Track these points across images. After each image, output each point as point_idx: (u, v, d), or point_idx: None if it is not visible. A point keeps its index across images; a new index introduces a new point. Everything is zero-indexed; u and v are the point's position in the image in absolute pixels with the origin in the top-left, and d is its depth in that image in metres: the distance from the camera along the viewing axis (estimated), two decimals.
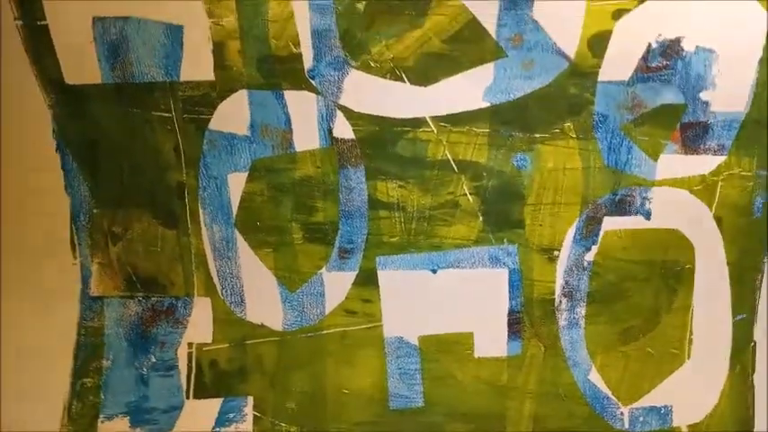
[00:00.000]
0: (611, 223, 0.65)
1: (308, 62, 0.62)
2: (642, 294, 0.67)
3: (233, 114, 0.63)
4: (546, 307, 0.67)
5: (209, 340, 0.67)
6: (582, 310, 0.67)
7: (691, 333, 0.68)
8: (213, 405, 0.68)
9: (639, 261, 0.66)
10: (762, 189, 0.65)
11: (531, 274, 0.66)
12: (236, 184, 0.65)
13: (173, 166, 0.65)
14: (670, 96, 0.63)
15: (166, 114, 0.63)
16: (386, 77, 0.63)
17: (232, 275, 0.66)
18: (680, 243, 0.66)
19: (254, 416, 0.68)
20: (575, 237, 0.66)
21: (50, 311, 0.67)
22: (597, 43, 0.61)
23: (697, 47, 0.61)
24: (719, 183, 0.64)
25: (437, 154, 0.64)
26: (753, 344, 0.68)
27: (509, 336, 0.67)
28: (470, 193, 0.65)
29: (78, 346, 0.67)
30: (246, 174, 0.65)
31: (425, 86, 0.63)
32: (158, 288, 0.67)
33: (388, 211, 0.65)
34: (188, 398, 0.68)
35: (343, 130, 0.64)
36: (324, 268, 0.66)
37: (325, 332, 0.67)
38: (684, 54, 0.62)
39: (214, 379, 0.68)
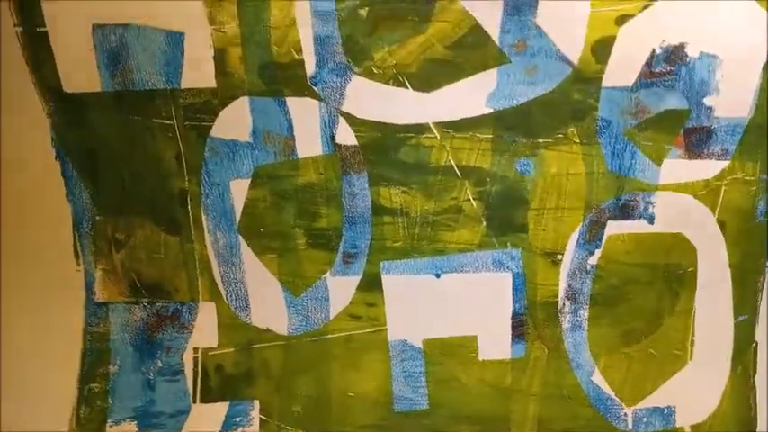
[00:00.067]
0: (614, 227, 0.66)
1: (310, 69, 0.62)
2: (645, 297, 0.67)
3: (235, 121, 0.63)
4: (549, 310, 0.67)
5: (215, 345, 0.68)
6: (585, 313, 0.67)
7: (693, 334, 0.68)
8: (220, 409, 0.68)
9: (642, 264, 0.67)
10: (765, 193, 0.65)
11: (535, 277, 0.67)
12: (239, 190, 0.65)
13: (174, 174, 0.64)
14: (674, 102, 0.63)
15: (167, 122, 0.63)
16: (389, 84, 0.62)
17: (236, 281, 0.67)
18: (682, 246, 0.66)
19: (261, 419, 0.69)
20: (578, 241, 0.66)
21: (51, 312, 0.67)
22: (601, 49, 0.61)
23: (701, 52, 0.61)
24: (723, 187, 0.65)
25: (440, 160, 0.64)
26: (754, 345, 0.69)
27: (513, 338, 0.68)
28: (474, 199, 0.65)
29: (84, 352, 0.67)
30: (249, 180, 0.65)
31: (428, 92, 0.62)
32: (163, 294, 0.67)
33: (391, 217, 0.65)
34: (195, 402, 0.68)
35: (345, 136, 0.64)
36: (328, 273, 0.67)
37: (330, 336, 0.68)
38: (688, 60, 0.62)
39: (220, 383, 0.68)
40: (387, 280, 0.67)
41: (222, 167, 0.64)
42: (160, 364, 0.68)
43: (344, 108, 0.63)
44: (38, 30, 0.61)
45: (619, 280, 0.67)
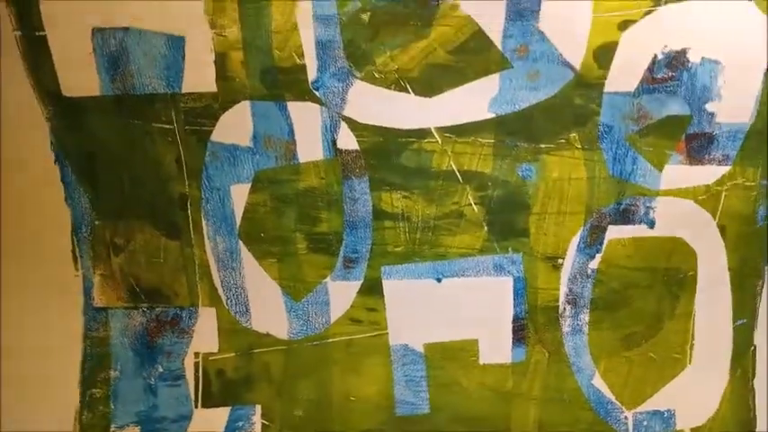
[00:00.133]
0: (615, 232, 0.66)
1: (311, 73, 0.62)
2: (645, 301, 0.68)
3: (235, 126, 0.63)
4: (550, 314, 0.68)
5: (216, 350, 0.68)
6: (585, 317, 0.68)
7: (692, 338, 0.69)
8: (222, 414, 0.68)
9: (642, 268, 0.67)
10: (765, 198, 0.65)
11: (536, 282, 0.67)
12: (239, 195, 0.65)
13: (174, 178, 0.64)
14: (675, 107, 0.63)
15: (168, 126, 0.63)
16: (390, 88, 0.62)
17: (236, 286, 0.66)
18: (683, 251, 0.66)
19: (263, 424, 0.69)
20: (579, 245, 0.66)
21: (51, 315, 0.67)
22: (603, 54, 0.61)
23: (703, 58, 0.61)
24: (723, 192, 0.65)
25: (442, 164, 0.64)
26: (753, 348, 0.69)
27: (514, 342, 0.68)
28: (475, 203, 0.65)
29: (85, 357, 0.67)
30: (249, 185, 0.64)
31: (430, 97, 0.62)
32: (162, 298, 0.67)
33: (392, 222, 0.65)
34: (197, 407, 0.68)
35: (347, 141, 0.63)
36: (328, 278, 0.66)
37: (330, 340, 0.68)
38: (690, 65, 0.62)
39: (221, 388, 0.68)
40: (388, 284, 0.67)
41: (223, 172, 0.64)
42: (161, 369, 0.68)
43: (346, 113, 0.63)
44: (37, 34, 0.60)
45: (619, 284, 0.67)
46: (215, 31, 0.60)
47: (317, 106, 0.62)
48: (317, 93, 0.62)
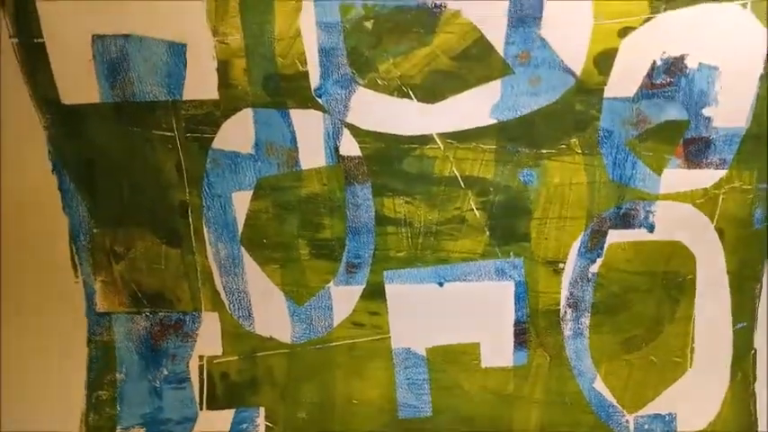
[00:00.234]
0: (615, 236, 0.66)
1: (314, 80, 0.62)
2: (645, 304, 0.68)
3: (237, 133, 0.63)
4: (551, 318, 0.68)
5: (219, 353, 0.68)
6: (586, 321, 0.68)
7: (692, 342, 0.69)
8: (226, 416, 0.69)
9: (642, 272, 0.67)
10: (761, 202, 0.66)
11: (537, 286, 0.67)
12: (241, 202, 0.65)
13: (175, 185, 0.64)
14: (674, 112, 0.63)
15: (168, 133, 0.63)
16: (393, 95, 0.62)
17: (239, 290, 0.67)
18: (682, 254, 0.67)
19: (266, 426, 0.69)
20: (580, 249, 0.67)
21: (51, 316, 0.67)
22: (603, 61, 0.61)
23: (700, 64, 0.62)
24: (721, 196, 0.65)
25: (444, 170, 0.64)
26: (753, 352, 0.70)
27: (515, 346, 0.68)
28: (477, 208, 0.66)
29: (90, 360, 0.68)
30: (251, 192, 0.65)
31: (433, 104, 0.63)
32: (165, 303, 0.67)
33: (395, 227, 0.66)
34: (201, 409, 0.69)
35: (349, 147, 0.64)
36: (331, 283, 0.67)
37: (333, 344, 0.68)
38: (688, 71, 0.62)
39: (226, 391, 0.69)
40: (390, 289, 0.67)
41: (224, 179, 0.64)
42: (166, 372, 0.68)
43: (349, 119, 0.63)
44: (35, 41, 0.60)
45: (620, 288, 0.68)
46: (217, 39, 0.60)
47: (319, 113, 0.63)
48: (319, 100, 0.62)
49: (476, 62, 0.62)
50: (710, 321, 0.69)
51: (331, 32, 0.61)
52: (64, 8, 0.60)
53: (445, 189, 0.65)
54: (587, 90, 0.62)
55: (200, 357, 0.68)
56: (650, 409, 0.70)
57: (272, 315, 0.67)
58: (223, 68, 0.61)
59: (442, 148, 0.64)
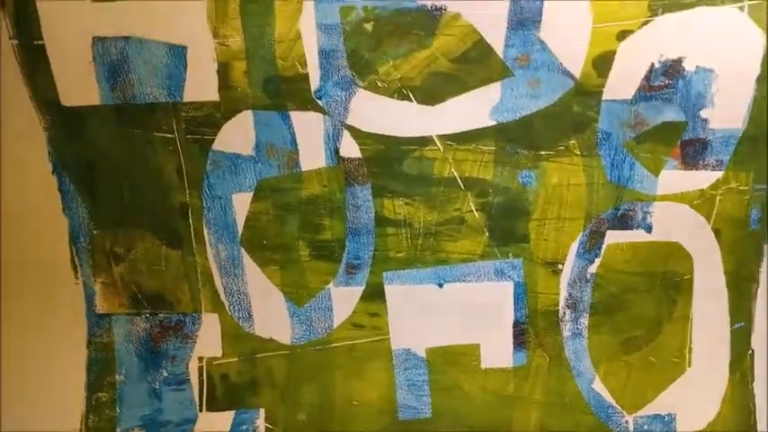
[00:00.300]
0: (613, 237, 0.67)
1: (314, 82, 0.62)
2: (643, 305, 0.69)
3: (237, 135, 0.63)
4: (550, 318, 0.68)
5: (219, 354, 0.68)
6: (585, 321, 0.69)
7: (690, 342, 0.69)
8: (226, 417, 0.69)
9: (641, 273, 0.68)
10: (758, 202, 0.66)
11: (536, 286, 0.68)
12: (241, 203, 0.65)
13: (175, 187, 0.64)
14: (671, 114, 0.64)
15: (169, 135, 0.63)
16: (393, 97, 0.63)
17: (239, 292, 0.67)
18: (679, 255, 0.67)
19: (266, 427, 0.69)
20: (578, 250, 0.67)
21: (50, 317, 0.67)
22: (602, 63, 0.62)
23: (697, 66, 0.63)
24: (717, 197, 0.66)
25: (443, 171, 0.65)
26: (751, 352, 0.70)
27: (514, 347, 0.69)
28: (476, 210, 0.66)
29: (90, 361, 0.68)
30: (251, 194, 0.65)
31: (432, 105, 0.63)
32: (165, 305, 0.67)
33: (394, 228, 0.66)
34: (201, 411, 0.69)
35: (349, 149, 0.64)
36: (331, 284, 0.67)
37: (333, 345, 0.68)
38: (685, 73, 0.63)
39: (225, 392, 0.69)
40: (390, 290, 0.67)
41: (224, 181, 0.64)
42: (166, 374, 0.68)
43: (349, 121, 0.63)
44: (35, 43, 0.60)
45: (618, 288, 0.68)
46: (218, 41, 0.61)
47: (319, 115, 0.63)
48: (319, 102, 0.62)
49: (475, 64, 0.62)
50: (708, 322, 0.69)
51: (331, 34, 0.61)
52: (64, 10, 0.60)
53: (445, 190, 0.65)
54: (586, 92, 0.63)
55: (200, 359, 0.68)
56: (649, 409, 0.70)
57: (271, 316, 0.67)
58: (223, 70, 0.61)
59: (442, 149, 0.64)
